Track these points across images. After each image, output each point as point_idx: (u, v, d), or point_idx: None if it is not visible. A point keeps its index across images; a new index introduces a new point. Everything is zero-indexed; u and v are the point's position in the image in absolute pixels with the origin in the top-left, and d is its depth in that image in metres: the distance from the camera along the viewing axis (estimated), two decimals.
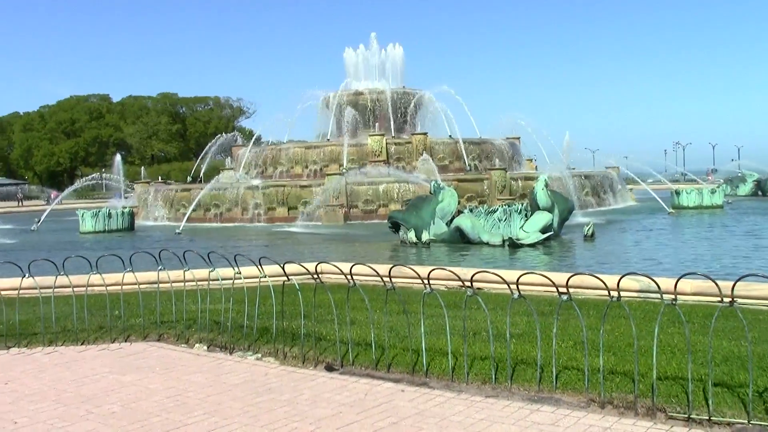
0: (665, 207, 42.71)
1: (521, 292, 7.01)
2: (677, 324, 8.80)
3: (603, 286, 7.01)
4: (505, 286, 7.16)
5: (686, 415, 5.96)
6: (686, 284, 10.51)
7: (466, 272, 11.75)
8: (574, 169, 50.67)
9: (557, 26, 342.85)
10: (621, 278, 6.71)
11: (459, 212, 27.03)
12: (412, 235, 26.20)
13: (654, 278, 7.00)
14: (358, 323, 9.19)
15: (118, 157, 68.20)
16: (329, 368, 7.89)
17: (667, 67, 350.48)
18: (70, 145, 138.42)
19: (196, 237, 34.15)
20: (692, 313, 9.43)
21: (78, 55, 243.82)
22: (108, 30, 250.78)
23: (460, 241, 25.77)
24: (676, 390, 6.30)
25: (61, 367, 8.53)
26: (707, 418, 5.88)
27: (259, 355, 8.60)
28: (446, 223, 26.42)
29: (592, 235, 26.91)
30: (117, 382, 7.76)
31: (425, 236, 26.05)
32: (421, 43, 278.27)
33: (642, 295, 11.19)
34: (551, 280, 7.17)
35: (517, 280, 7.07)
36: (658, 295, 10.54)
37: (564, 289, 6.86)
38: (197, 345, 9.29)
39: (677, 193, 46.58)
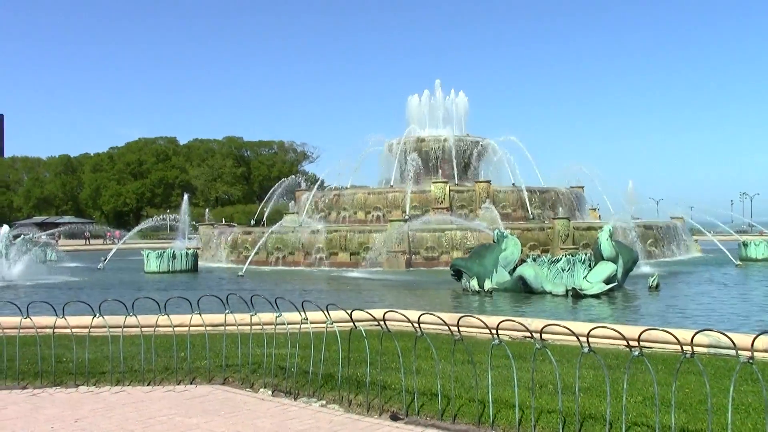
0: (732, 259, 41.86)
1: (591, 345, 6.92)
2: (750, 382, 8.60)
3: (673, 340, 6.89)
4: (572, 337, 7.08)
5: None
6: (758, 341, 10.29)
7: (531, 322, 11.66)
8: (638, 218, 50.09)
9: (620, 76, 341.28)
10: (695, 335, 6.58)
11: (522, 261, 26.83)
12: (474, 283, 26.07)
13: (728, 334, 6.87)
14: (423, 372, 9.14)
15: (185, 199, 69.11)
16: (394, 417, 7.85)
17: (732, 117, 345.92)
18: (137, 185, 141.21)
19: (258, 280, 34.39)
20: (765, 371, 9.19)
21: (147, 98, 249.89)
22: (176, 75, 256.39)
23: (522, 290, 25.57)
24: None
25: (129, 407, 8.61)
26: None
27: (324, 402, 8.59)
28: (509, 272, 26.24)
29: (657, 286, 26.49)
30: (183, 425, 7.80)
31: (488, 284, 25.88)
32: (483, 90, 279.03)
33: (711, 350, 10.96)
34: (622, 334, 7.06)
35: (588, 333, 6.98)
36: (728, 351, 10.38)
37: (635, 343, 6.75)
38: (262, 389, 9.31)
39: (745, 244, 45.66)
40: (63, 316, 9.97)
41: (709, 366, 9.62)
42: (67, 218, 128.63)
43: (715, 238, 50.73)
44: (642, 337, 6.98)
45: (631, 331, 9.85)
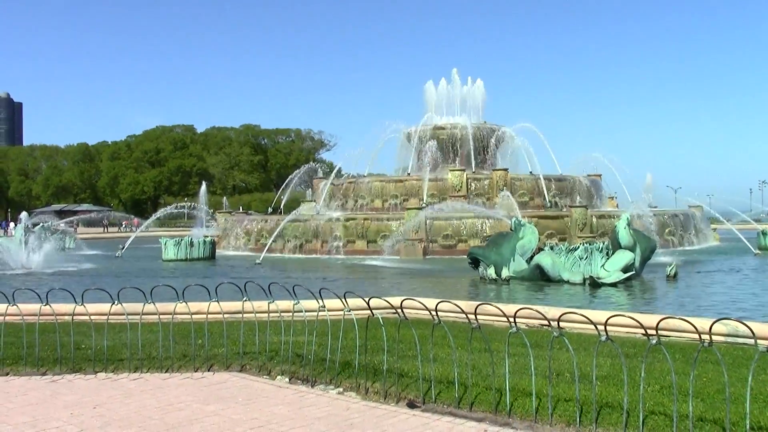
0: (751, 248, 41.58)
1: (608, 334, 6.89)
2: None
3: (691, 329, 6.85)
4: (589, 326, 7.05)
5: None
6: None
7: (548, 310, 11.63)
8: (656, 207, 49.81)
9: (638, 65, 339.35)
10: (713, 323, 6.55)
11: (539, 249, 26.74)
12: (491, 272, 26.01)
13: (746, 323, 6.83)
14: (440, 360, 9.14)
15: (203, 187, 69.21)
16: (411, 405, 7.86)
17: (751, 105, 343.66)
18: (154, 174, 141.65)
19: (275, 268, 34.46)
20: None
21: (165, 87, 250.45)
22: (194, 63, 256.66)
23: (539, 278, 25.49)
24: None
25: (147, 393, 8.66)
26: None
27: (341, 389, 8.60)
28: (526, 260, 26.16)
29: (675, 275, 26.36)
30: (200, 411, 7.83)
31: (505, 273, 25.83)
32: (501, 79, 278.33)
33: (729, 339, 10.91)
34: (639, 323, 7.03)
35: (606, 322, 6.96)
36: (747, 340, 10.33)
37: (652, 332, 6.73)
38: (279, 377, 9.34)
39: (764, 233, 45.26)
40: (82, 304, 10.03)
41: (727, 355, 9.57)
42: (85, 206, 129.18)
43: (733, 227, 50.32)
44: (660, 325, 6.93)
45: (649, 319, 9.81)
